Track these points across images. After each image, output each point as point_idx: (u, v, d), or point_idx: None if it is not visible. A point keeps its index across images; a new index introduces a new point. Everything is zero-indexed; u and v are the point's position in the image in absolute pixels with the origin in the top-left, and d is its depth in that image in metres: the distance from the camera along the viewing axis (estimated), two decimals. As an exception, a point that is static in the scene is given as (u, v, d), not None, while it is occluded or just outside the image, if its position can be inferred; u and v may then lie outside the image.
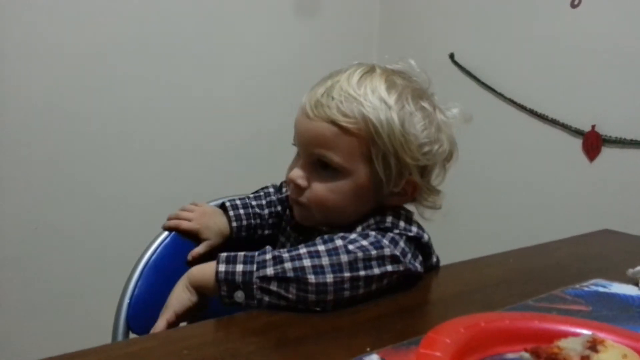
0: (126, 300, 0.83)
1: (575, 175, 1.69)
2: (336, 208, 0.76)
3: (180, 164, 1.80)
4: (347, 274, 0.64)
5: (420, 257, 0.75)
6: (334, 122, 0.72)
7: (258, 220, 0.93)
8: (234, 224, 0.90)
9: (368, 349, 0.54)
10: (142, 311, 0.84)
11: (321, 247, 0.66)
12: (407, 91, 0.75)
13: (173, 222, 0.90)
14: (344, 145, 0.73)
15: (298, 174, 0.77)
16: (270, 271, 0.64)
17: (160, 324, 0.69)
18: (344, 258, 0.65)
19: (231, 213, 0.90)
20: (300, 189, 0.77)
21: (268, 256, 0.66)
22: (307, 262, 0.64)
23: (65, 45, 1.56)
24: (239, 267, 0.65)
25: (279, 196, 0.96)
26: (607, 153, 1.62)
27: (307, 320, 0.62)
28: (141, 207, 1.68)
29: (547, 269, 0.89)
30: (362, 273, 0.65)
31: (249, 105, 1.92)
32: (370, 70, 0.77)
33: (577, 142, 1.68)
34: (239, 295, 0.65)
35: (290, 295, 0.64)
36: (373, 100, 0.72)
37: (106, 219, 1.68)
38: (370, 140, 0.72)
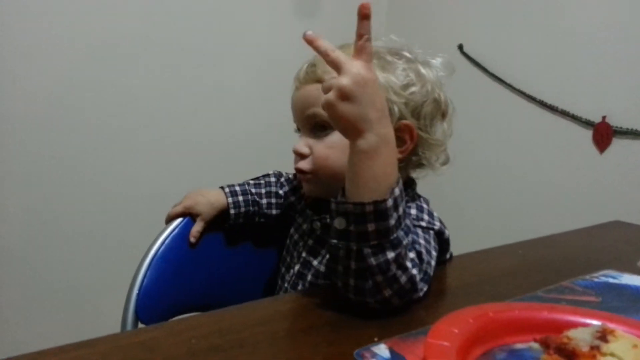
0: (135, 292, 0.84)
1: (586, 167, 1.67)
2: (340, 167, 0.73)
3: (185, 159, 1.80)
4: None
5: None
6: (320, 80, 0.75)
7: (256, 208, 0.94)
8: (232, 211, 0.91)
9: (376, 339, 0.54)
10: (151, 302, 0.84)
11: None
12: (383, 50, 0.80)
13: (168, 214, 0.92)
14: None
15: (300, 144, 0.80)
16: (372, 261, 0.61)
17: None
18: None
19: (230, 200, 0.91)
20: (304, 157, 0.79)
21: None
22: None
23: (68, 42, 1.56)
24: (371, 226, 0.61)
25: (288, 188, 0.96)
26: (618, 144, 1.60)
27: (315, 310, 0.62)
28: (149, 199, 1.68)
29: (556, 260, 0.88)
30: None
31: (250, 104, 1.91)
32: (347, 44, 0.80)
33: (588, 134, 1.66)
34: (340, 222, 0.62)
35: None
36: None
37: (115, 211, 1.69)
38: None
